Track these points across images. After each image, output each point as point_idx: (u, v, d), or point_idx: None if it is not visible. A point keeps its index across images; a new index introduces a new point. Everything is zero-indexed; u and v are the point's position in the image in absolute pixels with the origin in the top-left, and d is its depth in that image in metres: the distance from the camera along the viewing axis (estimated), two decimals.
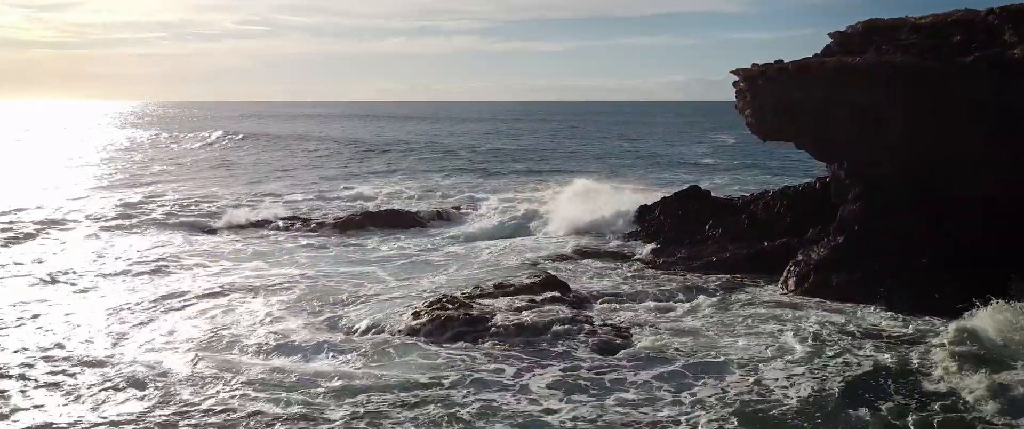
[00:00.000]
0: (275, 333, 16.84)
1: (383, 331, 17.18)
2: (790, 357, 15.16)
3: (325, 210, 33.76)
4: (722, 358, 15.15)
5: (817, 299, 19.38)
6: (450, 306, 18.35)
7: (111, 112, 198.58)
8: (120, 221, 31.01)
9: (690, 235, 25.43)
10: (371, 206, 35.02)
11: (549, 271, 21.91)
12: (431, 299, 18.99)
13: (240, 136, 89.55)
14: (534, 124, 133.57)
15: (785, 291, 20.38)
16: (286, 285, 20.97)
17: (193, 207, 34.68)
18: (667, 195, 29.54)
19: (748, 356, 15.19)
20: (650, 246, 25.04)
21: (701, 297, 19.91)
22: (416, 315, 17.97)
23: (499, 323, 17.26)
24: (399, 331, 17.15)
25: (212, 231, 29.23)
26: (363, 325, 17.48)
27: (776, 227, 24.42)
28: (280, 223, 30.54)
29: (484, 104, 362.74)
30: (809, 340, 16.11)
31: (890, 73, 18.77)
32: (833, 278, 19.81)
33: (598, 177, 46.33)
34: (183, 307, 18.97)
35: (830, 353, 15.37)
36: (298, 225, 30.43)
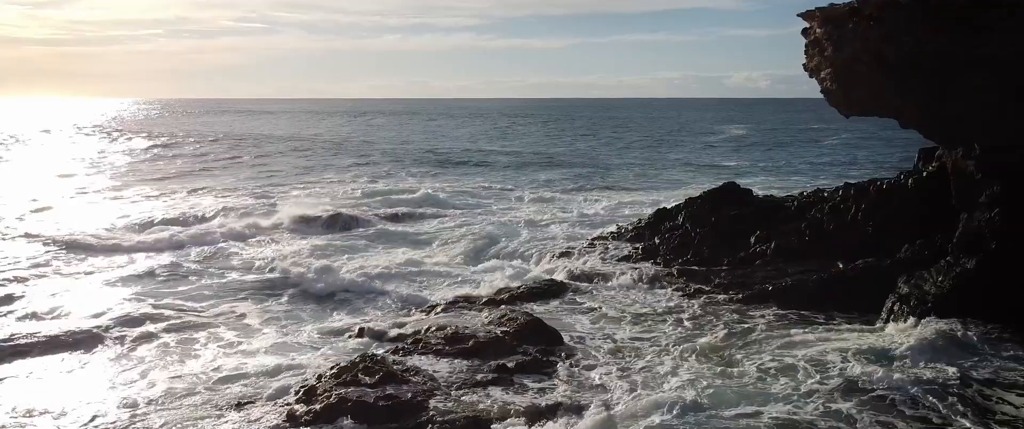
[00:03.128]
0: None
1: None
2: None
3: (258, 211, 26.52)
4: None
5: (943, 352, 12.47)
6: (367, 378, 11.38)
7: (95, 111, 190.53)
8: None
9: (730, 251, 18.43)
10: (322, 209, 27.50)
11: (531, 310, 14.95)
12: (343, 361, 12.07)
13: (204, 135, 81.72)
14: (530, 122, 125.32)
15: (887, 337, 13.42)
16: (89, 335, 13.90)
17: (98, 213, 27.51)
18: (692, 195, 22.52)
19: None
20: (675, 267, 18.04)
21: (765, 348, 13.01)
22: (309, 394, 11.01)
23: (444, 414, 10.30)
24: None
25: (92, 247, 21.88)
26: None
27: (851, 240, 17.43)
28: (178, 230, 23.52)
29: (482, 101, 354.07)
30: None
31: None
32: (966, 323, 12.87)
33: (599, 182, 39.66)
34: None
35: None
36: (220, 227, 23.55)
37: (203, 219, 25.04)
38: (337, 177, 40.65)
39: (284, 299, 16.71)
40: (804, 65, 15.57)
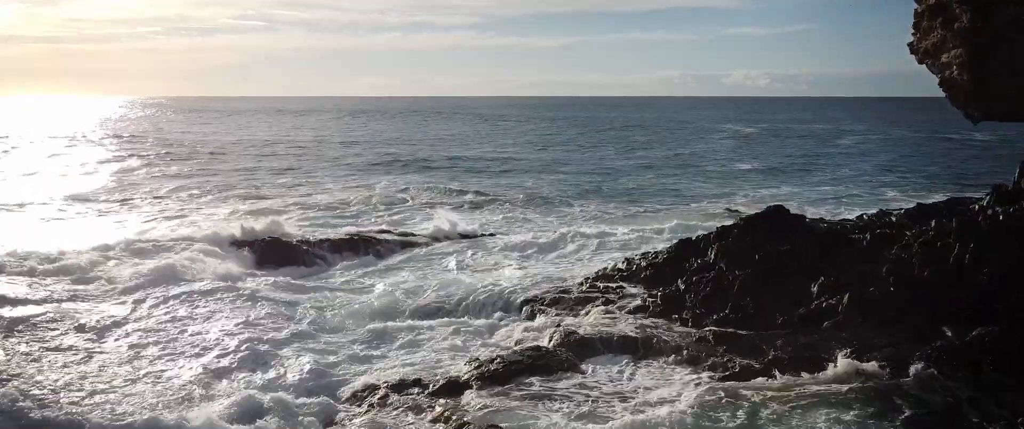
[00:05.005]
0: None
1: None
2: None
3: (174, 239, 21.37)
4: None
5: None
6: None
7: (80, 111, 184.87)
8: None
9: (783, 303, 13.43)
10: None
11: (502, 417, 9.99)
12: None
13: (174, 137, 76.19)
14: (527, 121, 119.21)
15: None
16: None
17: None
18: (713, 210, 17.52)
19: None
20: (708, 327, 13.06)
21: None
22: None
23: None
24: None
25: None
26: None
27: (955, 292, 12.49)
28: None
29: (481, 100, 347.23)
30: None
31: None
32: None
33: (601, 192, 34.58)
34: None
35: None
36: (96, 264, 18.19)
37: (80, 252, 18.90)
38: (307, 182, 35.77)
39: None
40: (911, 44, 10.63)
